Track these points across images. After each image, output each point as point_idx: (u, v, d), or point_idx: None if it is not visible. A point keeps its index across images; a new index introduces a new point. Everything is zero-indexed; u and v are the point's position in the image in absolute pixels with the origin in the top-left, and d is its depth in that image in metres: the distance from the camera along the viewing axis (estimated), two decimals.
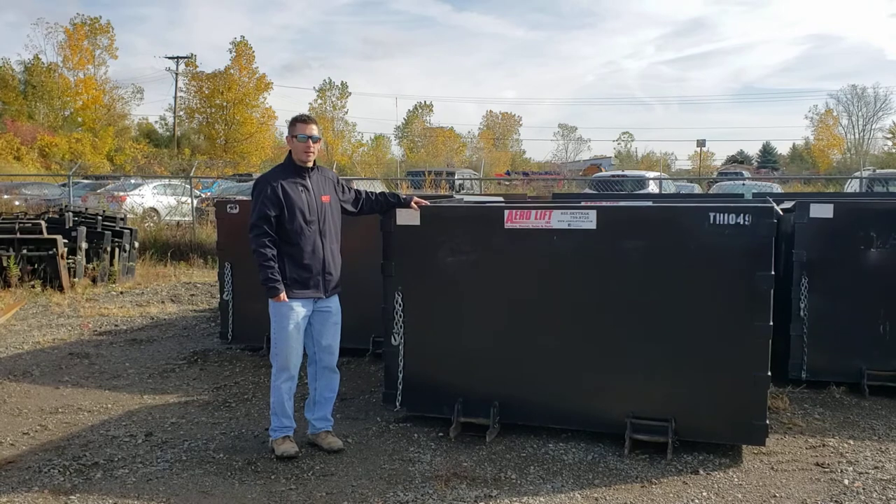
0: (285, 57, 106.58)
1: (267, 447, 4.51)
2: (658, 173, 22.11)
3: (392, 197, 4.85)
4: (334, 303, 4.53)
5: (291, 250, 4.29)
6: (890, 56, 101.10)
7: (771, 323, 4.21)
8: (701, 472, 4.16)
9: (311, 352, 4.56)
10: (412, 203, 4.75)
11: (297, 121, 4.40)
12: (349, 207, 4.65)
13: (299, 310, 4.34)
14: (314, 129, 4.38)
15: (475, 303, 4.71)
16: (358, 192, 4.76)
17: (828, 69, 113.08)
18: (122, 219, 13.03)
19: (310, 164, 4.40)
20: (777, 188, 18.55)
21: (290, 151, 4.43)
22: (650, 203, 6.27)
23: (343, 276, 6.61)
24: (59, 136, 40.87)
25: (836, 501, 3.81)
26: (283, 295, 4.24)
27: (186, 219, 17.30)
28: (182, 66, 50.74)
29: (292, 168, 4.39)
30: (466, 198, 8.00)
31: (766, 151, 64.15)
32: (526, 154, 75.89)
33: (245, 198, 7.54)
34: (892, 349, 5.49)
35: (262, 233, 4.24)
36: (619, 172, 24.94)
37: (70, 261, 10.94)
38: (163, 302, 10.10)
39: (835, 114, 60.15)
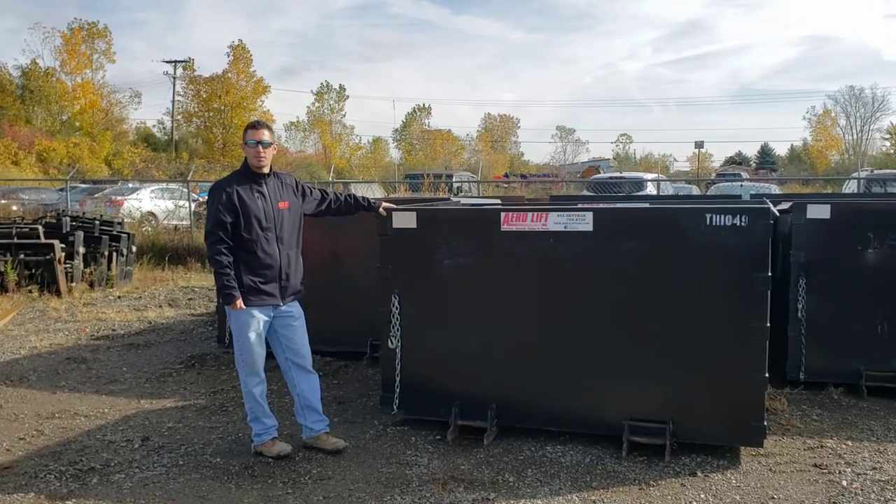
0: (283, 60, 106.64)
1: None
2: (656, 175, 22.12)
3: (363, 200, 4.86)
4: (295, 308, 4.52)
5: (248, 257, 4.28)
6: (887, 57, 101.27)
7: (768, 324, 4.21)
8: (699, 473, 4.16)
9: (282, 360, 4.55)
10: (380, 209, 4.81)
11: (248, 127, 4.42)
12: (314, 209, 4.66)
13: (259, 316, 4.34)
14: (264, 134, 4.35)
15: (472, 305, 4.70)
16: (324, 192, 4.77)
17: (825, 70, 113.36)
18: (119, 223, 13.00)
19: (265, 170, 4.39)
20: (775, 189, 18.55)
21: (245, 158, 4.42)
22: (647, 204, 6.27)
23: (341, 280, 6.63)
24: (57, 141, 40.85)
25: (834, 503, 3.80)
26: (238, 302, 4.23)
27: (184, 223, 17.29)
28: (180, 70, 50.78)
29: (248, 174, 4.38)
30: (464, 200, 8.00)
31: (765, 153, 64.25)
32: (524, 156, 76.06)
33: None
34: (889, 350, 5.48)
35: (218, 240, 4.23)
36: (618, 174, 24.97)
37: (67, 265, 10.93)
38: (160, 306, 10.09)
39: (833, 115, 60.24)
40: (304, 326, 4.54)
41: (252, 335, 4.32)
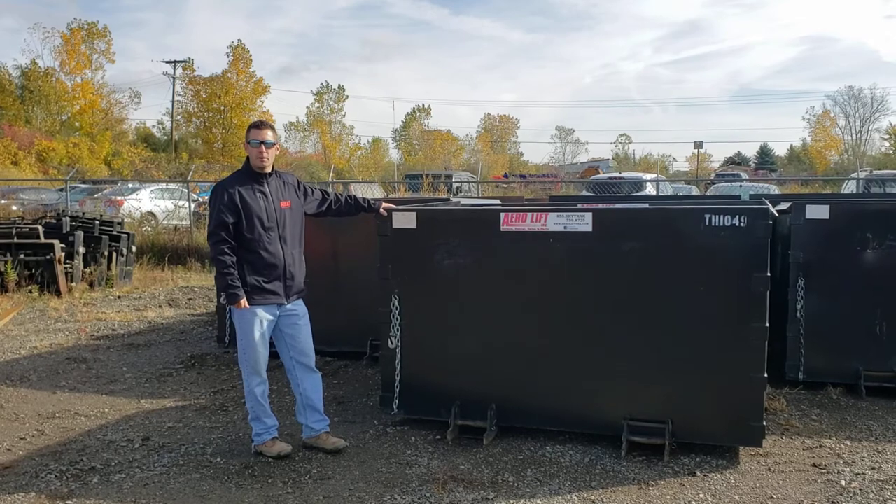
0: (283, 61, 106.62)
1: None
2: (655, 175, 22.14)
3: (364, 202, 4.88)
4: (300, 306, 4.53)
5: (251, 257, 4.29)
6: (886, 57, 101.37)
7: (767, 324, 4.22)
8: (698, 473, 4.17)
9: (287, 359, 4.56)
10: (381, 209, 4.83)
11: (251, 126, 4.42)
12: (314, 209, 4.67)
13: (263, 315, 4.34)
14: (267, 135, 4.35)
15: (472, 306, 4.71)
16: (325, 192, 4.78)
17: (824, 71, 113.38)
18: (119, 223, 13.01)
19: (267, 170, 4.39)
20: (774, 189, 18.57)
21: (247, 158, 4.43)
22: (646, 205, 6.28)
23: (341, 279, 6.64)
24: (57, 141, 40.82)
25: (832, 502, 3.81)
26: (243, 301, 4.25)
27: (184, 223, 17.30)
28: (179, 71, 50.72)
29: (250, 174, 4.39)
30: (464, 200, 8.01)
31: (764, 153, 64.22)
32: (524, 156, 76.03)
33: None
34: (888, 350, 5.49)
35: (221, 240, 4.24)
36: (617, 174, 24.97)
37: (67, 265, 10.94)
38: (160, 306, 10.09)
39: (832, 115, 60.25)
40: (308, 325, 4.56)
41: (256, 334, 4.33)
